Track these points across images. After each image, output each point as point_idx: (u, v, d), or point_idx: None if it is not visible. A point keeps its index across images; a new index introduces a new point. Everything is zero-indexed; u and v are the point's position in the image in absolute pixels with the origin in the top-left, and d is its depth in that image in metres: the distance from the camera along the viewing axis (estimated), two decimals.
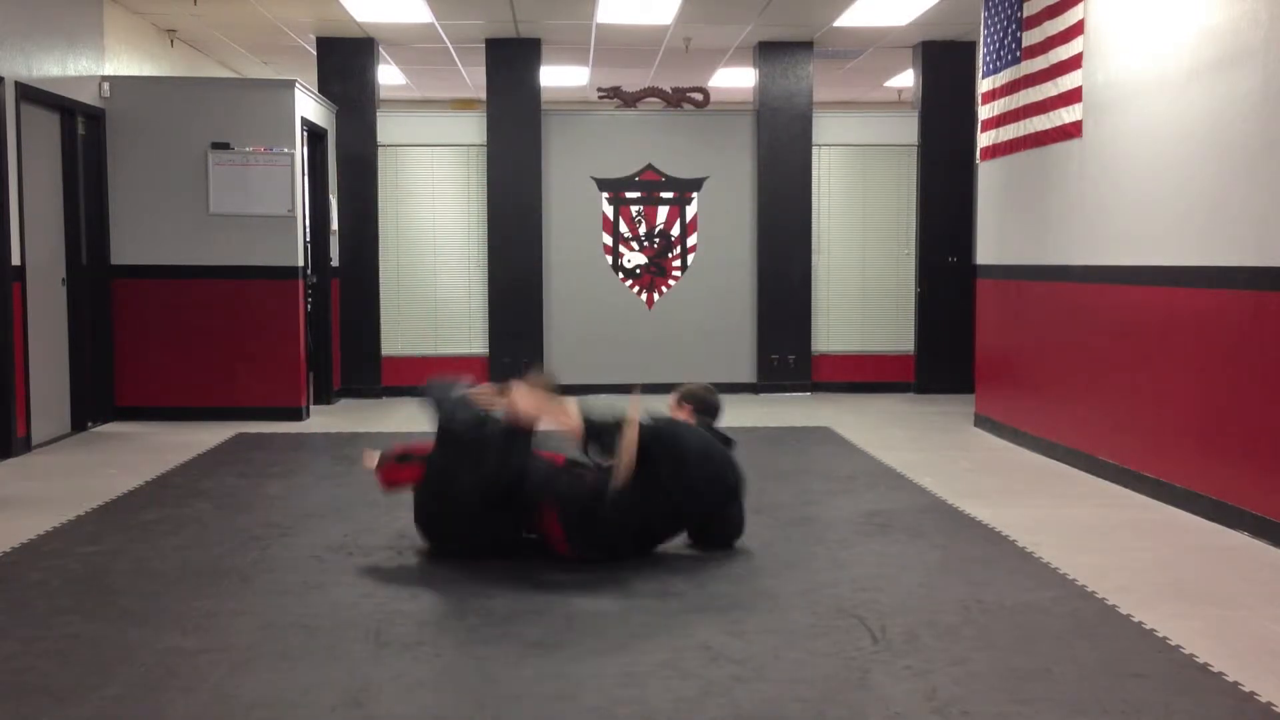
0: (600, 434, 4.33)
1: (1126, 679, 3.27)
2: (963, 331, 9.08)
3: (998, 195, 7.71)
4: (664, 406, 4.85)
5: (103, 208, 8.13)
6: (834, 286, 10.18)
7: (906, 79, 11.57)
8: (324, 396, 9.22)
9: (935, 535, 4.97)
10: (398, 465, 4.60)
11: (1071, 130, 6.53)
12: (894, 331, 10.20)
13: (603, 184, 10.02)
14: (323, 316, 9.23)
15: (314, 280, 9.02)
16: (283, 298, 8.39)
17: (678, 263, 10.10)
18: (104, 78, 8.13)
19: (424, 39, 9.92)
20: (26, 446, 7.02)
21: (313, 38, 9.73)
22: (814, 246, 10.07)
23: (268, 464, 6.67)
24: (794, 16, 9.06)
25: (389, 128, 9.83)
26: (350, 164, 9.67)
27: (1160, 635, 3.63)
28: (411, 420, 8.07)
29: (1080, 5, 6.42)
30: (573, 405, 4.44)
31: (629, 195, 10.04)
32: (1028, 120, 7.09)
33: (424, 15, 8.97)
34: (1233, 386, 5.09)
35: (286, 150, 8.31)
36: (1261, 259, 4.87)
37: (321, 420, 8.49)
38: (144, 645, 3.54)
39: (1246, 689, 3.19)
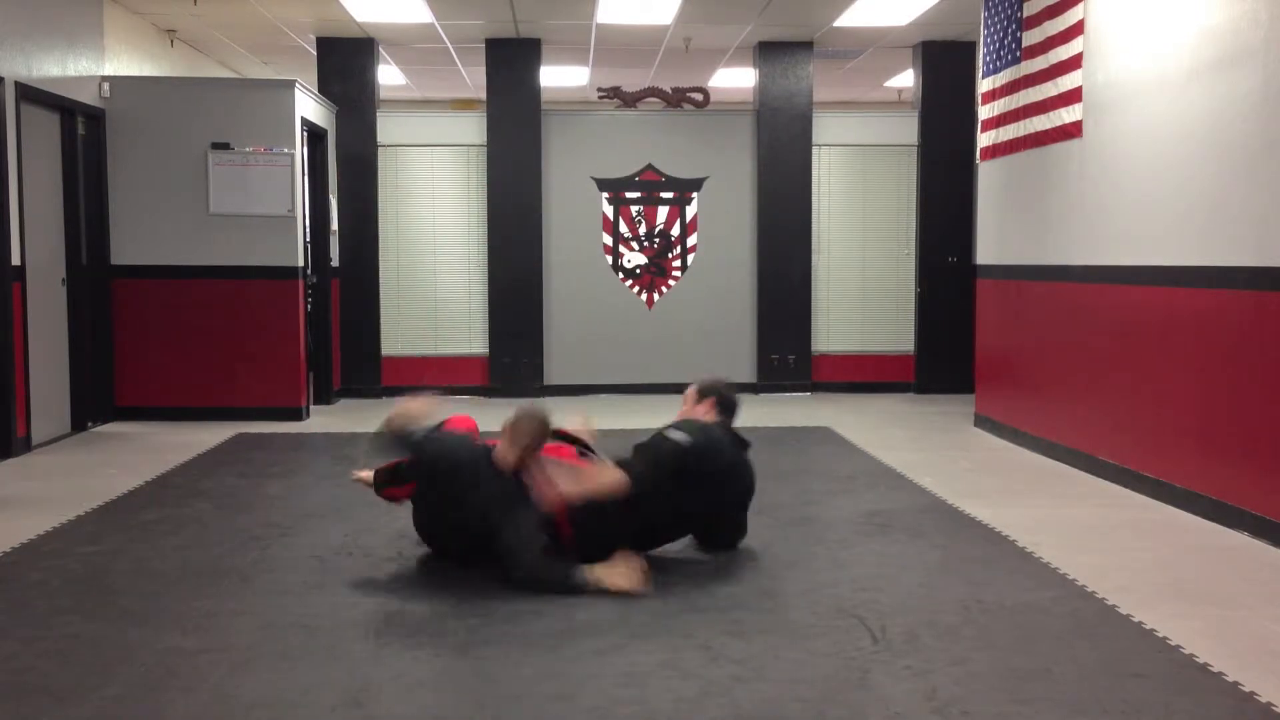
0: (647, 479, 4.25)
1: (1126, 679, 3.27)
2: (963, 331, 9.08)
3: (998, 195, 7.71)
4: (682, 401, 4.73)
5: (103, 208, 8.13)
6: (834, 286, 10.18)
7: (906, 79, 11.57)
8: (324, 396, 9.22)
9: (935, 535, 4.97)
10: (393, 481, 4.53)
11: (1071, 130, 6.53)
12: (894, 331, 10.20)
13: (603, 184, 10.02)
14: (323, 316, 9.24)
15: (314, 280, 9.03)
16: (283, 298, 8.39)
17: (678, 263, 10.10)
18: (104, 78, 8.13)
19: (424, 39, 9.92)
20: (26, 446, 7.02)
21: (313, 38, 9.73)
22: (814, 246, 10.07)
23: (268, 464, 6.67)
24: (794, 16, 9.06)
25: (389, 128, 9.83)
26: (350, 164, 9.68)
27: (1160, 635, 3.63)
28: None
29: (1080, 5, 6.42)
30: (606, 469, 4.28)
31: (629, 195, 10.04)
32: (1028, 120, 7.09)
33: (424, 15, 8.97)
34: (1233, 386, 5.09)
35: (286, 150, 8.31)
36: (1261, 259, 4.87)
37: (321, 420, 8.49)
38: (144, 645, 3.54)
39: (1246, 689, 3.19)
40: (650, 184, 10.03)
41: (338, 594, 4.06)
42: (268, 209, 8.29)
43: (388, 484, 4.53)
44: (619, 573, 4.03)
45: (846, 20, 9.13)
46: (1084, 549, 4.71)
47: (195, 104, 8.31)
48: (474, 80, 11.60)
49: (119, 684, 3.23)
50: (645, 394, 9.82)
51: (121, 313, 8.26)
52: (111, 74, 8.29)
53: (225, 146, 8.27)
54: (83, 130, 7.88)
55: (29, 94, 7.05)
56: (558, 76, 11.56)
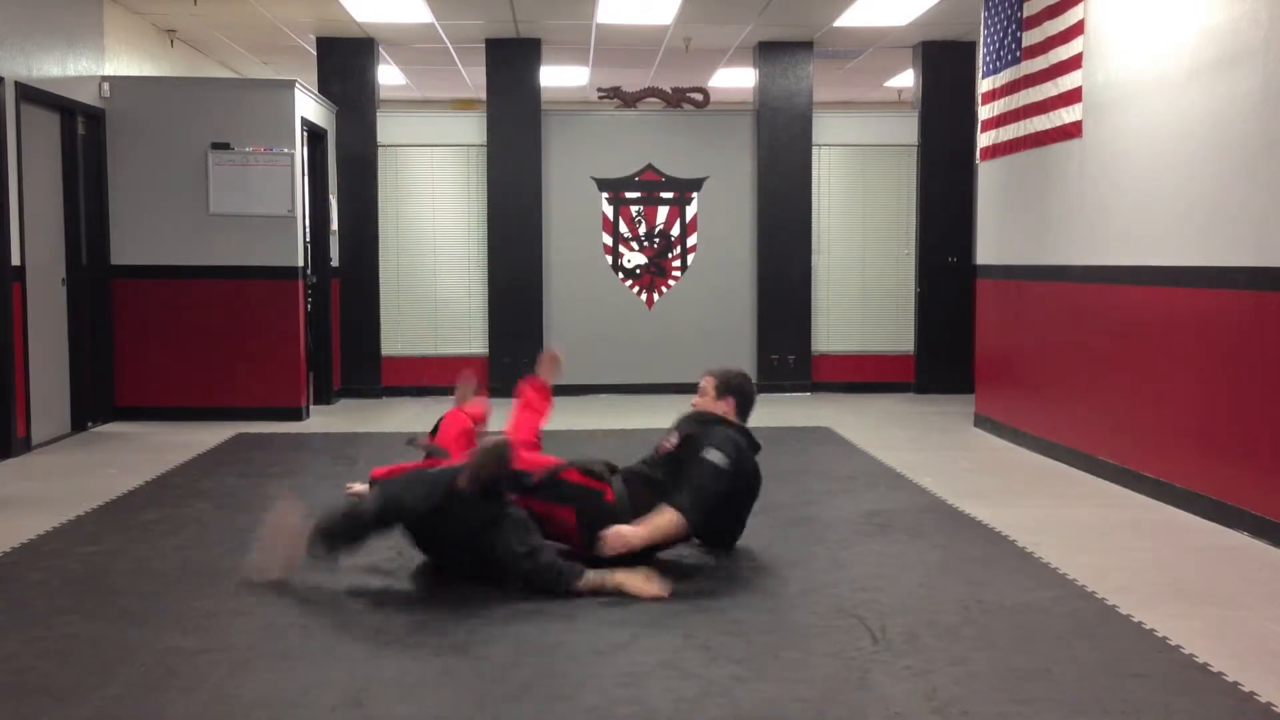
0: (700, 517, 4.19)
1: (1126, 679, 3.27)
2: (963, 331, 9.08)
3: (998, 195, 7.71)
4: (699, 392, 4.64)
5: (103, 208, 8.13)
6: (834, 286, 10.18)
7: (906, 79, 11.57)
8: (324, 396, 9.22)
9: (935, 535, 4.97)
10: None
11: (1071, 130, 6.53)
12: (894, 331, 10.20)
13: (603, 184, 10.02)
14: (323, 316, 9.24)
15: (314, 280, 9.03)
16: (283, 298, 8.39)
17: (678, 263, 10.10)
18: (104, 78, 8.13)
19: (424, 39, 9.92)
20: (26, 446, 7.02)
21: (313, 38, 9.73)
22: (814, 246, 10.07)
23: (268, 464, 6.67)
24: (794, 16, 9.06)
25: (389, 128, 9.83)
26: (350, 164, 9.68)
27: (1160, 635, 3.63)
28: (412, 421, 8.08)
29: (1080, 5, 6.42)
30: (663, 513, 4.15)
31: (629, 195, 10.04)
32: (1028, 120, 7.09)
33: (424, 15, 8.98)
34: (1233, 386, 5.09)
35: (286, 150, 8.31)
36: (1261, 259, 4.87)
37: (321, 420, 8.49)
38: (144, 645, 3.54)
39: (1246, 689, 3.19)
40: (650, 184, 10.03)
41: (338, 594, 4.05)
42: (268, 209, 8.29)
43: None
44: (641, 578, 4.01)
45: (846, 20, 9.13)
46: (1084, 549, 4.71)
47: (195, 104, 8.31)
48: (474, 80, 11.60)
49: (119, 684, 3.23)
50: (645, 394, 9.83)
51: (121, 313, 8.26)
52: (111, 74, 8.29)
53: (225, 146, 8.27)
54: (83, 130, 7.88)
55: (29, 94, 7.05)
56: (558, 76, 11.56)
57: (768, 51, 9.93)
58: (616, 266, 10.08)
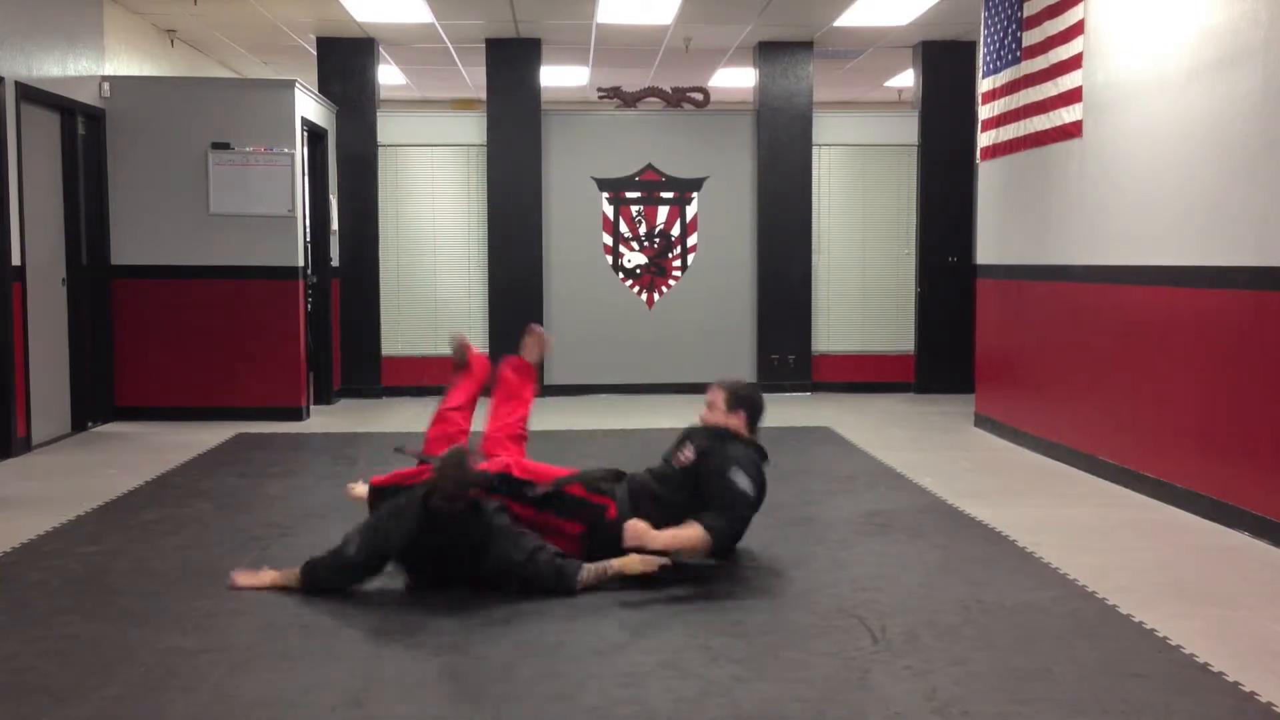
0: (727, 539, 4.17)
1: (1126, 679, 3.27)
2: (963, 331, 9.08)
3: (998, 195, 7.71)
4: (707, 405, 4.57)
5: (103, 208, 8.13)
6: (834, 286, 10.18)
7: (906, 79, 11.57)
8: (324, 396, 9.22)
9: (935, 535, 4.97)
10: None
11: (1071, 130, 6.53)
12: (894, 331, 10.20)
13: (603, 184, 10.02)
14: (323, 316, 9.24)
15: (314, 280, 9.03)
16: (283, 298, 8.39)
17: (678, 263, 10.10)
18: (104, 78, 8.13)
19: (424, 39, 9.92)
20: (26, 446, 7.02)
21: (313, 38, 9.73)
22: (814, 246, 10.07)
23: (268, 464, 6.67)
24: (794, 16, 9.06)
25: (389, 128, 9.83)
26: (350, 164, 9.68)
27: (1160, 635, 3.63)
28: (411, 421, 8.08)
29: (1080, 5, 6.42)
30: (690, 529, 4.10)
31: (629, 195, 10.04)
32: (1028, 120, 7.09)
33: (424, 15, 8.97)
34: (1233, 386, 5.09)
35: (286, 150, 8.31)
36: (1261, 259, 4.87)
37: (321, 420, 8.49)
38: (144, 645, 3.54)
39: (1246, 689, 3.19)
40: (650, 184, 10.03)
41: (338, 594, 4.05)
42: (268, 209, 8.29)
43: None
44: (638, 559, 4.04)
45: (846, 20, 9.13)
46: (1084, 549, 4.71)
47: (195, 104, 8.31)
48: (474, 80, 11.60)
49: (119, 684, 3.23)
50: (645, 394, 9.83)
51: (121, 313, 8.26)
52: (111, 74, 8.29)
53: (225, 146, 8.27)
54: (83, 130, 7.88)
55: (29, 94, 7.05)
56: (558, 76, 11.56)
57: (768, 51, 9.93)
58: (616, 266, 10.08)
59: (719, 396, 4.49)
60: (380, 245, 9.81)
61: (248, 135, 8.28)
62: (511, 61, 9.80)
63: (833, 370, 10.18)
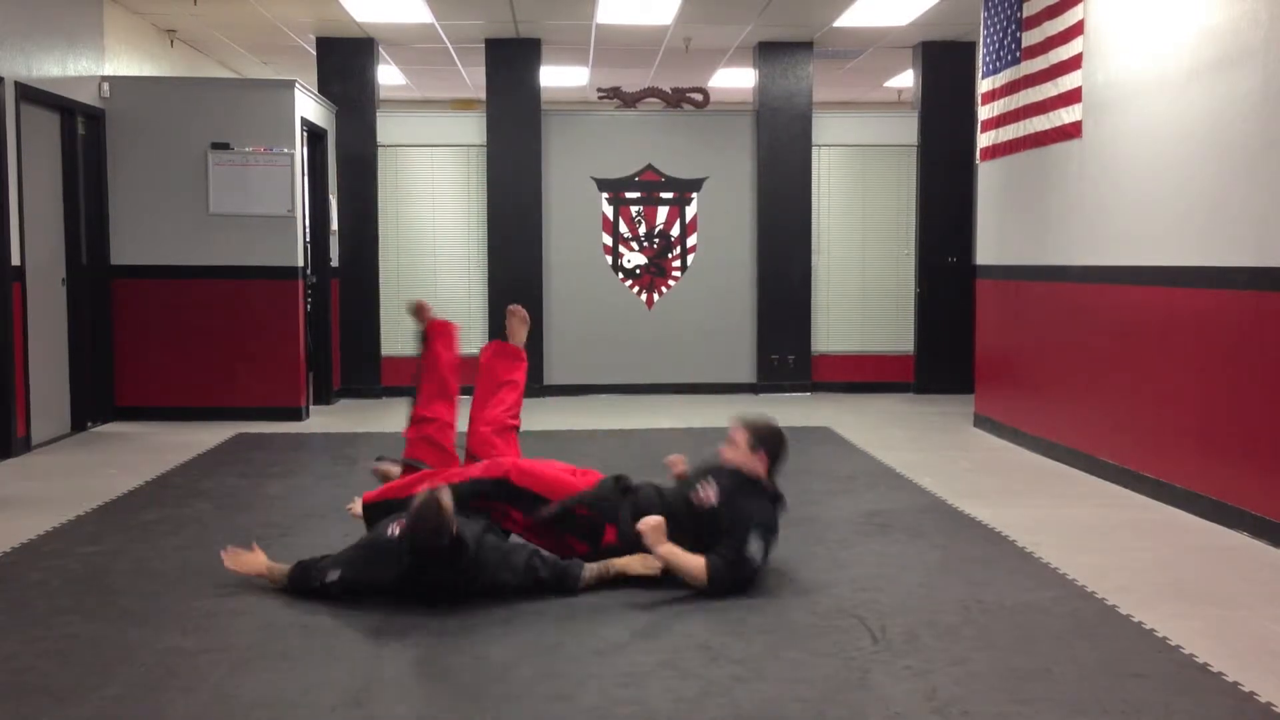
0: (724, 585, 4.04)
1: (1126, 679, 3.27)
2: (963, 331, 9.08)
3: (998, 195, 7.71)
4: (728, 441, 4.32)
5: (103, 208, 8.13)
6: (834, 286, 10.18)
7: (906, 79, 11.57)
8: (324, 396, 9.22)
9: (935, 535, 4.97)
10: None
11: (1071, 130, 6.53)
12: (894, 331, 10.20)
13: (603, 184, 10.02)
14: (323, 316, 9.24)
15: (314, 280, 9.03)
16: (283, 298, 8.39)
17: (678, 263, 10.10)
18: (104, 78, 8.13)
19: (424, 39, 9.92)
20: (26, 446, 7.02)
21: (313, 38, 9.73)
22: (814, 246, 10.07)
23: (268, 464, 6.67)
24: (794, 16, 9.06)
25: (389, 128, 9.84)
26: (350, 164, 9.68)
27: (1160, 635, 3.63)
28: None
29: (1080, 5, 6.42)
30: (694, 559, 4.00)
31: (629, 195, 10.04)
32: (1028, 120, 7.09)
33: (424, 15, 8.98)
34: (1233, 386, 5.09)
35: (286, 150, 8.31)
36: (1261, 259, 4.87)
37: (321, 420, 8.49)
38: (144, 645, 3.54)
39: (1246, 689, 3.19)
40: (650, 184, 10.03)
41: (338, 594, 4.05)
42: (268, 209, 8.29)
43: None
44: (639, 561, 4.03)
45: (846, 20, 9.13)
46: (1084, 549, 4.71)
47: (195, 104, 8.31)
48: (474, 80, 11.60)
49: (119, 684, 3.23)
50: (645, 394, 9.84)
51: (121, 313, 8.26)
52: (111, 74, 8.29)
53: (225, 146, 8.27)
54: (83, 130, 7.88)
55: (29, 94, 7.05)
56: (558, 76, 11.56)
57: (768, 51, 9.93)
58: (616, 266, 10.08)
59: (741, 435, 4.26)
60: (380, 245, 9.81)
61: (247, 135, 8.29)
62: (511, 62, 9.81)
63: (832, 370, 10.18)
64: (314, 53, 9.83)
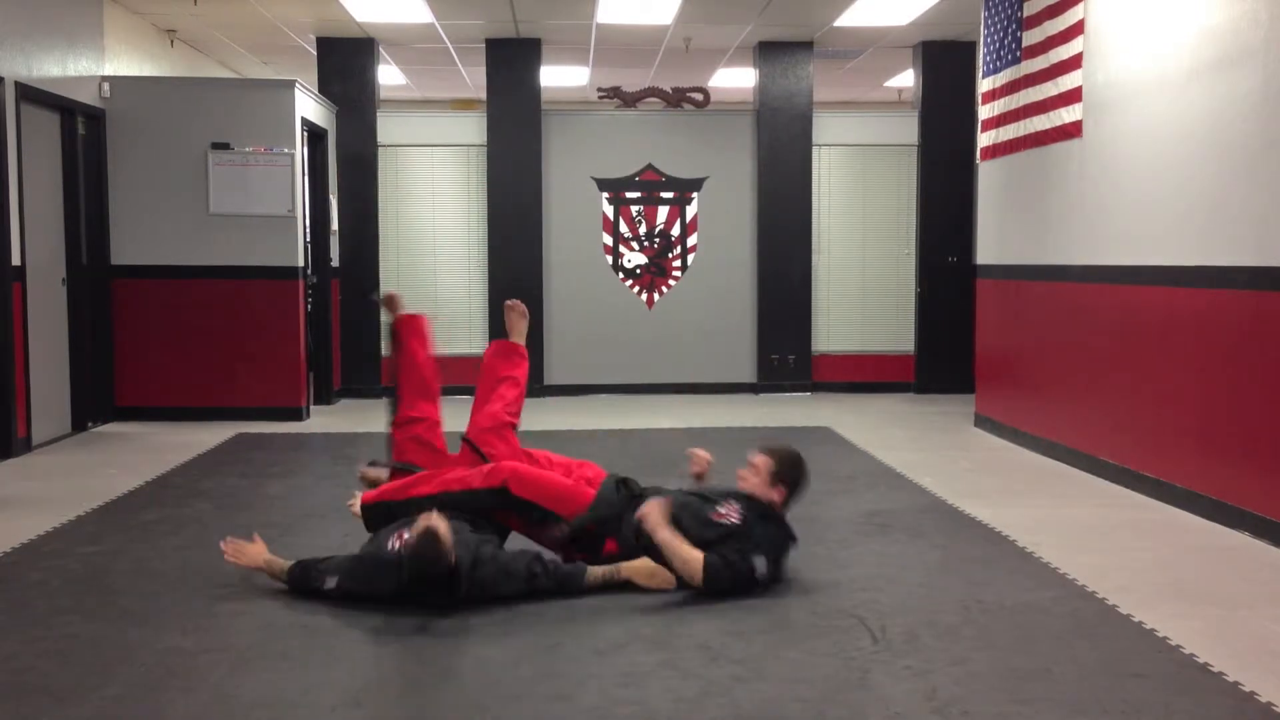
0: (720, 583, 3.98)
1: (1126, 679, 3.27)
2: (963, 331, 9.08)
3: (998, 195, 7.71)
4: (749, 465, 4.28)
5: (103, 208, 8.13)
6: (834, 286, 10.18)
7: (906, 79, 11.57)
8: (324, 396, 9.22)
9: (935, 535, 4.97)
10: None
11: (1071, 130, 6.53)
12: (894, 331, 10.20)
13: (603, 184, 10.02)
14: (323, 316, 9.24)
15: (314, 280, 9.03)
16: (283, 298, 8.39)
17: (678, 263, 10.10)
18: (104, 78, 8.13)
19: (424, 39, 9.92)
20: (26, 446, 7.02)
21: (313, 38, 9.73)
22: (814, 246, 10.07)
23: (268, 464, 6.67)
24: (794, 16, 9.06)
25: (389, 128, 9.84)
26: (350, 164, 9.68)
27: (1160, 635, 3.63)
28: None
29: (1080, 5, 6.42)
30: (694, 556, 3.96)
31: (629, 195, 10.04)
32: (1028, 120, 7.09)
33: (424, 15, 8.98)
34: (1233, 386, 5.09)
35: (286, 150, 8.31)
36: (1261, 259, 4.87)
37: (321, 420, 8.49)
38: (144, 645, 3.54)
39: (1246, 689, 3.19)
40: (650, 184, 10.03)
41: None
42: (268, 209, 8.29)
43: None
44: (647, 571, 4.01)
45: (846, 20, 9.13)
46: (1084, 549, 4.71)
47: (195, 104, 8.31)
48: (474, 80, 11.60)
49: (119, 684, 3.23)
50: (645, 394, 9.83)
51: (121, 313, 8.26)
52: (111, 74, 8.29)
53: (225, 146, 8.27)
54: (83, 130, 7.88)
55: (29, 94, 7.05)
56: (558, 76, 11.56)
57: (768, 51, 9.93)
58: (616, 266, 10.08)
59: (765, 464, 4.21)
60: (380, 245, 9.81)
61: (248, 135, 8.29)
62: (511, 61, 9.81)
63: (833, 370, 10.18)
64: (314, 53, 9.84)
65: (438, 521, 3.68)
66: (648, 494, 4.26)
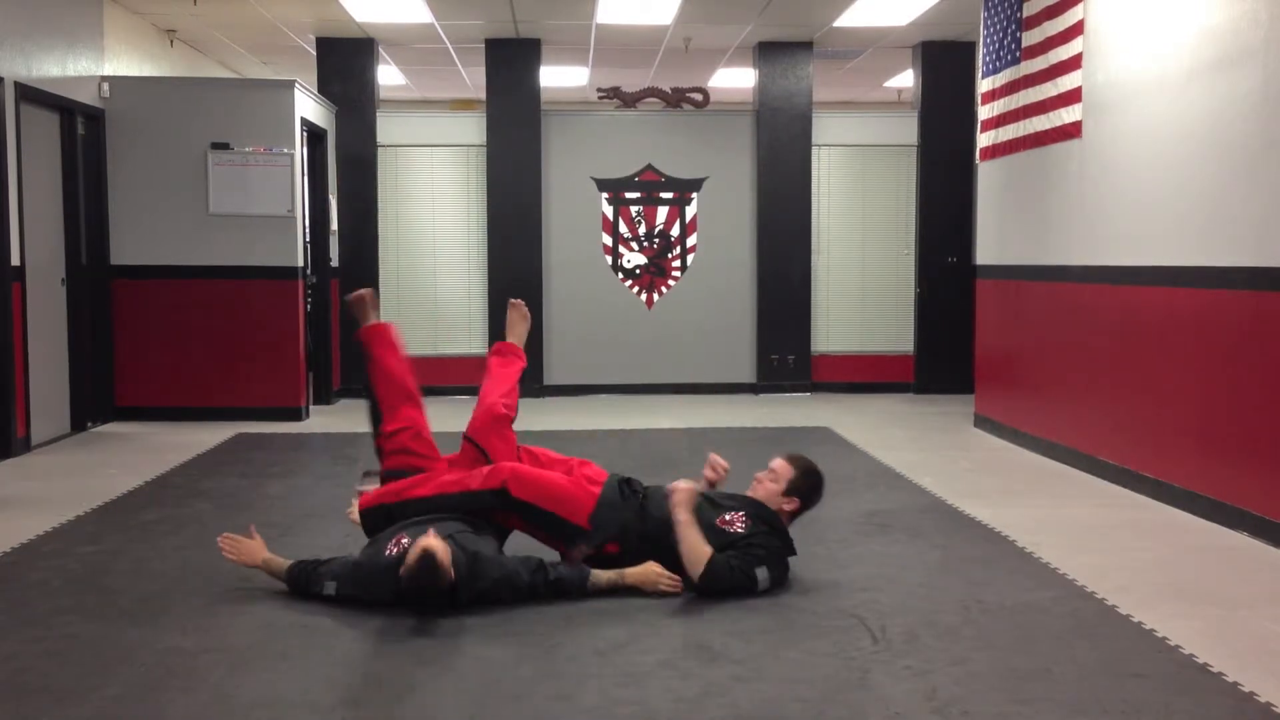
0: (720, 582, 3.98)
1: (1126, 679, 3.27)
2: (963, 331, 9.09)
3: (998, 195, 7.71)
4: (768, 469, 4.30)
5: (103, 208, 8.13)
6: (834, 286, 10.18)
7: (906, 79, 11.57)
8: (324, 396, 9.22)
9: (935, 535, 4.97)
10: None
11: (1071, 130, 6.53)
12: (894, 331, 10.20)
13: (603, 184, 10.02)
14: (323, 316, 9.24)
15: (314, 280, 9.03)
16: (283, 298, 8.39)
17: (677, 263, 10.10)
18: (104, 78, 8.13)
19: (424, 39, 9.92)
20: (26, 446, 7.02)
21: (313, 38, 9.73)
22: (814, 246, 10.07)
23: (268, 464, 6.67)
24: (794, 16, 9.06)
25: (389, 128, 9.84)
26: (350, 164, 9.68)
27: (1160, 635, 3.63)
28: None
29: (1080, 5, 6.42)
30: (703, 547, 3.99)
31: (629, 195, 10.04)
32: (1028, 120, 7.09)
33: (424, 15, 8.97)
34: (1233, 386, 5.09)
35: (286, 150, 8.31)
36: (1261, 259, 4.87)
37: (321, 420, 8.49)
38: (144, 645, 3.54)
39: (1246, 689, 3.19)
40: (650, 184, 10.03)
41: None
42: (268, 209, 8.29)
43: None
44: (653, 575, 4.00)
45: (846, 20, 9.13)
46: (1084, 549, 4.71)
47: (195, 104, 8.31)
48: (474, 80, 11.60)
49: (119, 684, 3.23)
50: (645, 394, 9.83)
51: (121, 313, 8.26)
52: (111, 74, 8.29)
53: (225, 146, 8.27)
54: (83, 130, 7.88)
55: (29, 94, 7.05)
56: (558, 76, 11.56)
57: (768, 51, 9.93)
58: (616, 266, 10.08)
59: (785, 473, 4.23)
60: (380, 245, 9.81)
61: (247, 135, 8.29)
62: (511, 62, 9.81)
63: (832, 370, 10.18)
64: (314, 53, 9.84)
65: (434, 543, 3.65)
66: (651, 494, 4.26)
